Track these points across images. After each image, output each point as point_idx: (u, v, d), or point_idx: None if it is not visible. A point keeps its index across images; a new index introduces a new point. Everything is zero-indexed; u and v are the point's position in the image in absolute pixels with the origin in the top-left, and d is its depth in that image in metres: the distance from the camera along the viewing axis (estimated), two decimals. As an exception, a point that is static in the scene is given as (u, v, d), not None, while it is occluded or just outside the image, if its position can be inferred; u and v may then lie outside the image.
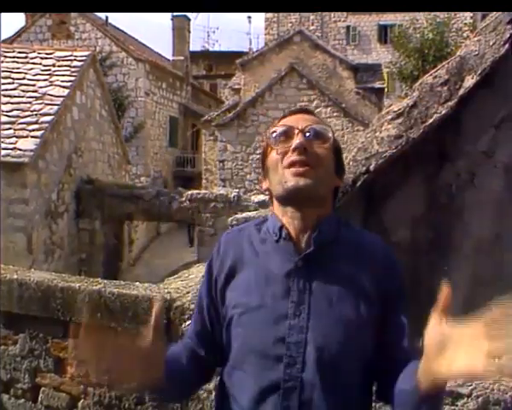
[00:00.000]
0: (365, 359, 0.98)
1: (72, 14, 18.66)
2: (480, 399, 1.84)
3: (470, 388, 1.85)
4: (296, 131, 0.99)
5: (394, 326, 0.99)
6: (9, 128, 7.51)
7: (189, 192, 8.77)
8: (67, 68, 8.63)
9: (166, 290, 2.18)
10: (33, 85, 8.28)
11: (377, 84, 20.11)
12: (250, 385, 0.98)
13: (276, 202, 1.04)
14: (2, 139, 7.19)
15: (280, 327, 0.96)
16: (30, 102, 7.97)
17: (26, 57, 8.88)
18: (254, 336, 0.98)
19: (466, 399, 1.85)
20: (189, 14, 23.21)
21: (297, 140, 0.98)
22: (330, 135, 1.02)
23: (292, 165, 0.98)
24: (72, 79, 8.48)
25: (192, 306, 2.10)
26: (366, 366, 0.99)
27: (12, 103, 7.88)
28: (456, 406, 1.86)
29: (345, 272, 0.99)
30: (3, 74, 8.09)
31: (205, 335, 1.08)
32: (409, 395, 0.89)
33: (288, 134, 1.01)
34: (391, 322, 0.99)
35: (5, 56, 8.56)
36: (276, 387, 0.95)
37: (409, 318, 1.03)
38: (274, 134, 1.02)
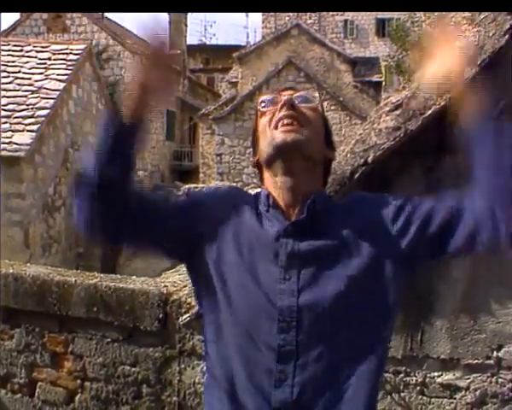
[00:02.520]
0: (369, 314, 0.95)
1: (68, 8, 18.52)
2: (477, 392, 1.84)
3: (468, 381, 1.85)
4: (283, 97, 1.00)
5: (425, 211, 0.96)
6: (5, 122, 7.47)
7: (187, 186, 8.75)
8: (63, 62, 8.56)
9: (163, 284, 2.16)
10: (29, 79, 8.21)
11: (375, 78, 20.06)
12: (243, 348, 0.96)
13: (266, 174, 1.02)
14: (-2, 133, 7.15)
15: (271, 291, 0.95)
16: (26, 96, 7.91)
17: (21, 51, 8.81)
18: (246, 297, 0.96)
19: (464, 392, 1.85)
20: (186, 8, 23.04)
21: (284, 97, 0.98)
22: (318, 102, 1.02)
23: (280, 121, 0.97)
24: (69, 72, 8.42)
25: (189, 300, 2.09)
26: (373, 321, 0.96)
27: (7, 97, 7.83)
28: (455, 399, 1.86)
29: (335, 235, 0.97)
30: (-2, 68, 8.04)
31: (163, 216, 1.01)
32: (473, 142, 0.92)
33: (276, 101, 1.00)
34: (418, 215, 0.96)
35: (0, 50, 8.49)
36: (270, 351, 0.94)
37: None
38: (263, 103, 1.02)
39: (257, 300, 0.95)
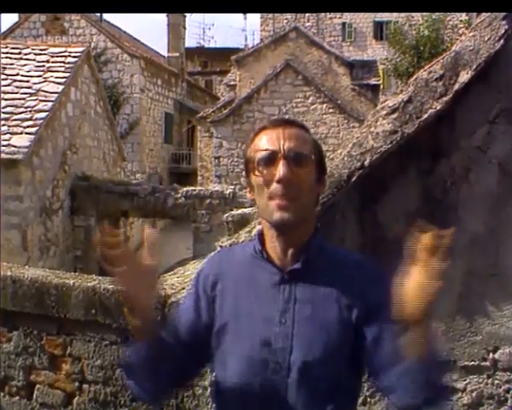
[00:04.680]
0: (351, 362, 1.02)
1: (67, 10, 18.51)
2: (474, 393, 1.85)
3: (465, 382, 1.86)
4: (279, 156, 1.01)
5: (377, 335, 1.01)
6: (4, 125, 7.46)
7: (185, 189, 8.75)
8: (62, 64, 8.57)
9: (161, 287, 2.17)
10: (27, 82, 8.22)
11: (373, 81, 20.10)
12: (237, 389, 1.02)
13: (263, 220, 1.08)
14: (-4, 136, 7.14)
15: (266, 334, 1.01)
16: (24, 99, 7.91)
17: (19, 53, 8.81)
18: (242, 341, 1.02)
19: (460, 393, 1.86)
20: (185, 11, 23.04)
21: (280, 171, 1.00)
22: (312, 155, 1.04)
23: (276, 197, 1.01)
24: (67, 75, 8.43)
25: (187, 302, 2.09)
26: (352, 369, 1.04)
27: (6, 100, 7.83)
28: (451, 400, 1.87)
29: (328, 283, 1.03)
30: (-3, 70, 8.03)
31: (191, 344, 1.09)
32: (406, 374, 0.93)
33: (271, 159, 1.02)
34: (374, 330, 1.01)
35: (-1, 52, 8.49)
36: (261, 391, 1.00)
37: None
38: (257, 158, 1.03)
39: (252, 345, 1.01)
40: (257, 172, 1.03)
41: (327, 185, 1.68)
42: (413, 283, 0.90)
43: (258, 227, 1.16)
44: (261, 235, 1.08)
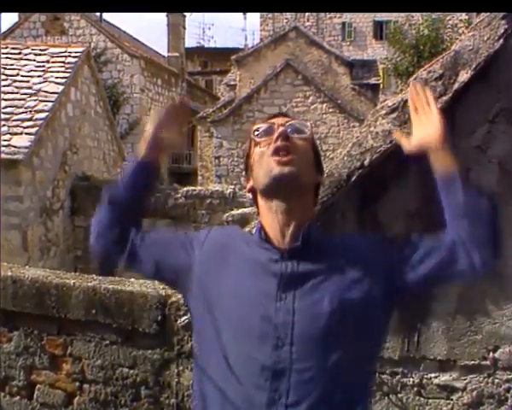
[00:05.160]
0: (359, 337, 1.00)
1: (67, 10, 18.51)
2: (474, 392, 1.85)
3: (465, 381, 1.86)
4: (277, 126, 1.07)
5: (416, 252, 1.09)
6: (4, 125, 7.46)
7: (185, 189, 8.75)
8: (62, 65, 8.56)
9: (162, 286, 2.17)
10: (27, 82, 8.21)
11: (373, 81, 20.10)
12: (235, 367, 0.99)
13: (261, 201, 1.09)
14: (-4, 136, 7.14)
15: (266, 309, 1.00)
16: (24, 99, 7.91)
17: (19, 53, 8.81)
18: (240, 316, 1.01)
19: (460, 393, 1.87)
20: (184, 10, 23.01)
21: (279, 129, 1.06)
22: (308, 130, 1.10)
23: (276, 151, 1.04)
24: (67, 75, 8.42)
25: (187, 302, 2.09)
26: (361, 344, 1.01)
27: (6, 100, 7.82)
28: (452, 400, 1.87)
29: (328, 261, 1.04)
30: (-3, 71, 8.03)
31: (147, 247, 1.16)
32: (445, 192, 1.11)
33: (269, 130, 1.08)
34: (411, 256, 1.08)
35: (-2, 53, 8.49)
36: (263, 369, 0.97)
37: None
38: (257, 132, 1.09)
39: (251, 319, 1.00)
40: (256, 143, 1.08)
41: (326, 185, 1.69)
42: (420, 120, 1.09)
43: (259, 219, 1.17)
44: (261, 225, 1.09)
